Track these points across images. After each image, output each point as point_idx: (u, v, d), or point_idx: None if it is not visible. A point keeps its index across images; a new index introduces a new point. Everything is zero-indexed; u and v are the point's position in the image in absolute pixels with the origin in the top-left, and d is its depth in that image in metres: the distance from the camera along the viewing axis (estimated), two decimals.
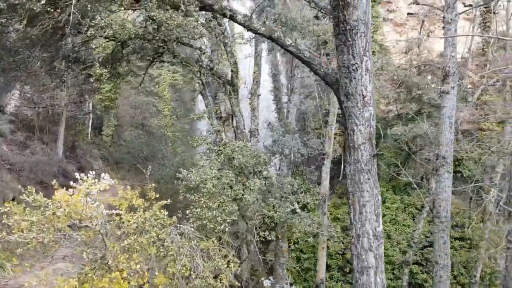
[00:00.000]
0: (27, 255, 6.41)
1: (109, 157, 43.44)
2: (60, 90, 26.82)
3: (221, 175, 12.01)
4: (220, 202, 11.74)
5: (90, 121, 42.61)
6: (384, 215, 27.17)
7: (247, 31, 9.85)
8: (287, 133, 26.37)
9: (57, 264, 6.29)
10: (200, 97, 50.65)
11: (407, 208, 27.06)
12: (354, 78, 9.65)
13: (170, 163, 23.99)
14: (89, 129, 42.22)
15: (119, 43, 15.05)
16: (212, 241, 7.47)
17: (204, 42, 16.12)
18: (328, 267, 23.20)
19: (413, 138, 25.94)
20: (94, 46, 15.01)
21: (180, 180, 12.13)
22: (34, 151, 22.63)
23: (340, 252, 23.88)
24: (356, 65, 9.60)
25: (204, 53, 16.02)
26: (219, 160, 12.85)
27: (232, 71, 15.36)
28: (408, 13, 47.03)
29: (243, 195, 11.99)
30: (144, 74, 17.08)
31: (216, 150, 13.01)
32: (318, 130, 30.23)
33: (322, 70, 9.99)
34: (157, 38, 14.13)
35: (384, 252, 20.71)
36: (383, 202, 28.17)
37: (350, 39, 9.27)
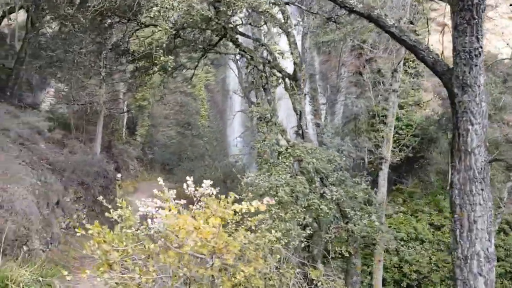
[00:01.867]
0: None
1: (143, 157, 42.50)
2: (98, 87, 25.78)
3: (294, 182, 10.38)
4: (293, 212, 10.10)
5: (125, 120, 41.71)
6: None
7: (341, 8, 8.23)
8: (336, 135, 24.66)
9: None
10: (235, 97, 49.24)
11: None
12: (476, 65, 7.90)
13: (219, 165, 21.90)
14: (124, 129, 41.32)
15: (172, 33, 13.60)
16: (319, 269, 5.86)
17: (265, 30, 14.57)
18: (384, 281, 21.26)
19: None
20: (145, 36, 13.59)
21: (246, 185, 10.55)
22: (73, 150, 21.50)
23: (396, 265, 21.89)
24: (479, 50, 7.86)
25: (262, 45, 14.47)
26: (287, 164, 11.23)
27: (295, 63, 13.72)
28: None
29: (319, 205, 10.33)
30: (194, 68, 15.64)
31: (284, 153, 11.40)
32: (365, 135, 28.29)
33: (431, 56, 8.27)
34: (215, 26, 12.66)
35: None
36: (440, 211, 25.91)
37: (476, 16, 7.54)
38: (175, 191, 5.30)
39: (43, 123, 22.50)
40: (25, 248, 9.64)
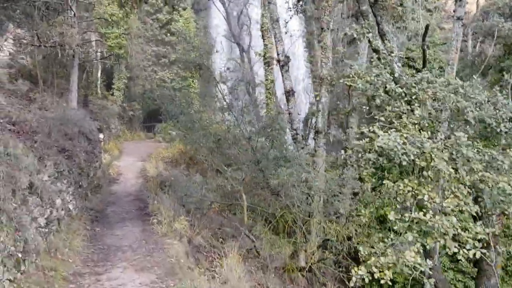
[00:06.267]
0: None
1: (123, 113, 37.04)
2: (70, 26, 20.15)
3: (451, 142, 5.95)
4: (456, 196, 5.75)
5: (99, 72, 35.81)
6: None
7: None
8: None
9: None
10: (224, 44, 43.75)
11: None
12: None
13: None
14: (99, 81, 35.50)
15: None
16: None
17: None
18: None
19: None
20: None
21: (379, 151, 6.05)
22: (43, 106, 16.37)
23: None
24: None
25: None
26: (418, 113, 6.78)
27: None
28: None
29: (495, 181, 5.99)
30: None
31: (409, 94, 6.88)
32: None
33: None
34: None
35: None
36: None
37: None
38: None
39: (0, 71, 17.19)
40: None
